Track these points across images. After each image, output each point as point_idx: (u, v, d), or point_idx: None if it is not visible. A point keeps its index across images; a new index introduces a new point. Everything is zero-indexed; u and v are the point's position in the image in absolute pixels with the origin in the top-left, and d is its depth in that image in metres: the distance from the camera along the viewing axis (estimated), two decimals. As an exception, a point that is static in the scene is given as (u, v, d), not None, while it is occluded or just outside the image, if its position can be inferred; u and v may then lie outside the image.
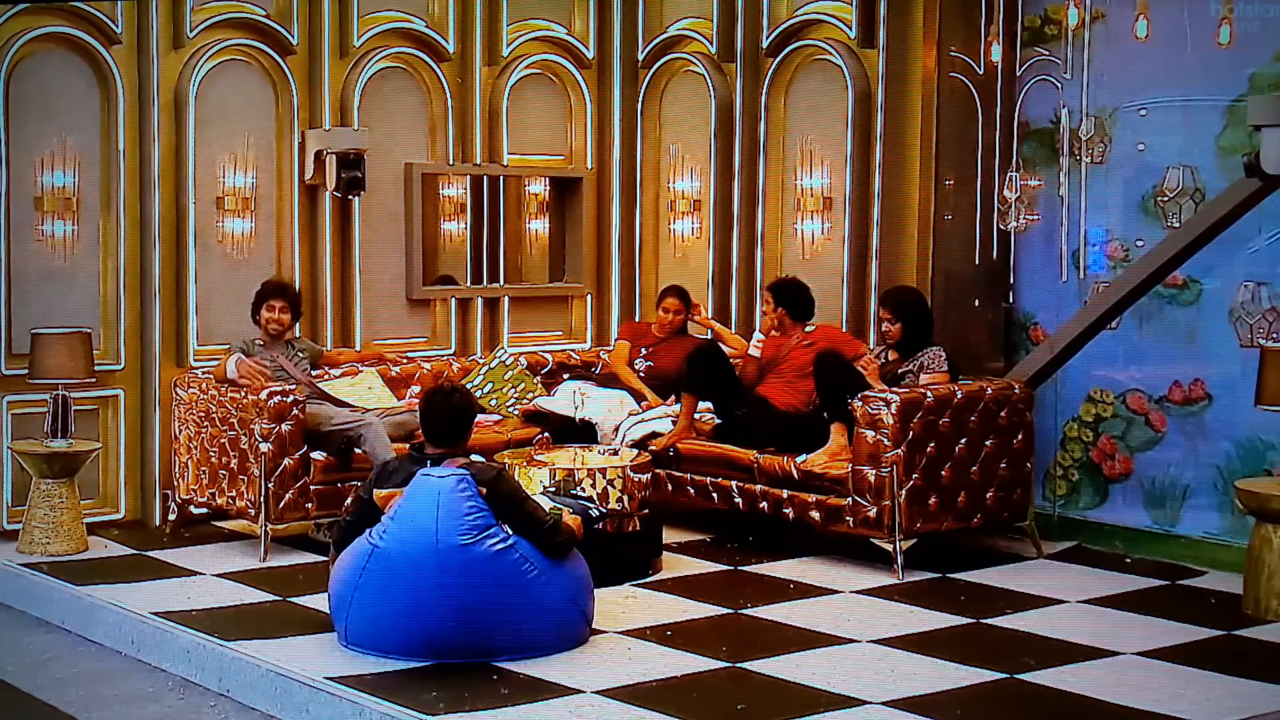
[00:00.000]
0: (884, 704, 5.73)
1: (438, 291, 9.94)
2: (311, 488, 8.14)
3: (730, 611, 7.11)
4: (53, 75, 8.66)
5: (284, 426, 8.02)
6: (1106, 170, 8.62)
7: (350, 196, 9.31)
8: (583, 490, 7.53)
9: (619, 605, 7.09)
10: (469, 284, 10.06)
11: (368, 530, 6.36)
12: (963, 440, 7.90)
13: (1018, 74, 8.90)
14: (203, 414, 8.39)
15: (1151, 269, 8.21)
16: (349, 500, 7.98)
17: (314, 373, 8.77)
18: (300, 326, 9.00)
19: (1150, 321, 8.47)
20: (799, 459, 8.02)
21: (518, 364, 9.56)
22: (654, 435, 8.76)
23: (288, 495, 8.05)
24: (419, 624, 6.19)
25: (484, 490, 6.27)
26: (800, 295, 8.73)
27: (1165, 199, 8.40)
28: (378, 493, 6.45)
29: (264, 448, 7.97)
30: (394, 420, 8.35)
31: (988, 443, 8.00)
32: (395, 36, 9.65)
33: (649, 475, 7.88)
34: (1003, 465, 8.07)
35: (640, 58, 10.42)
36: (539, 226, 10.59)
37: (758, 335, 8.84)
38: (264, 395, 8.01)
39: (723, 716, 5.66)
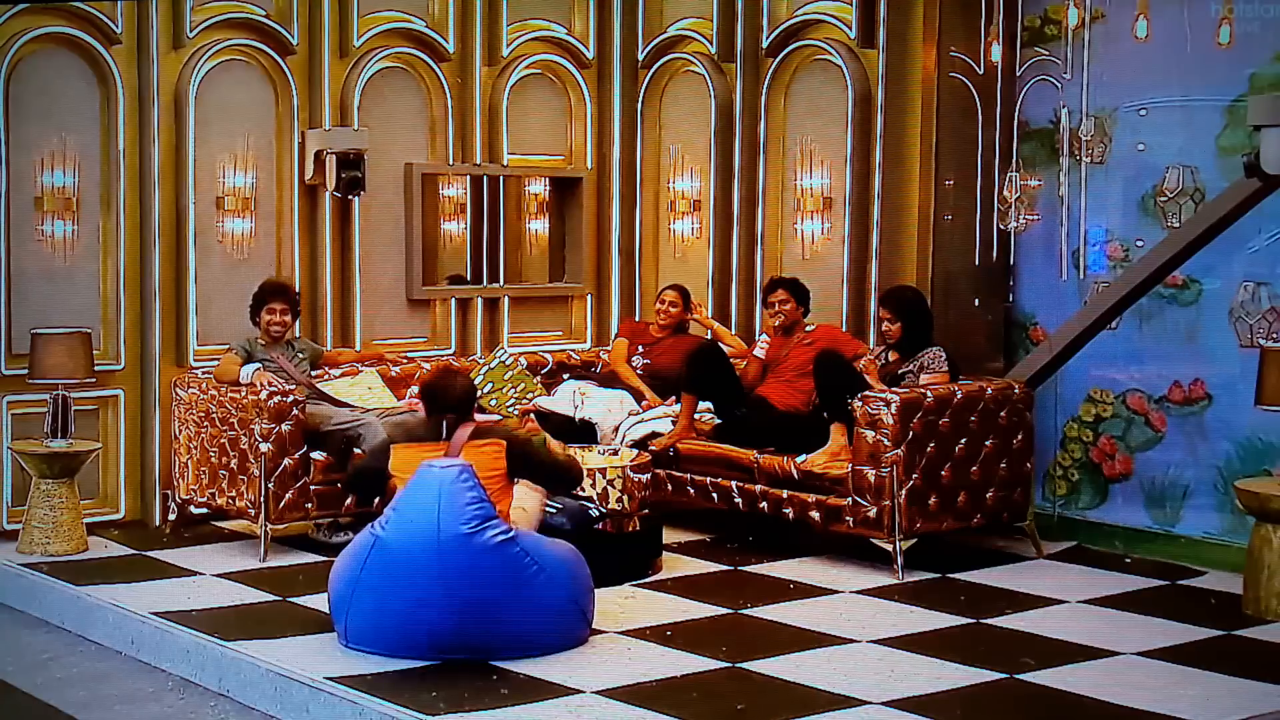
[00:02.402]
0: (884, 704, 5.72)
1: (438, 291, 9.93)
2: (311, 488, 8.14)
3: (730, 611, 7.11)
4: (53, 75, 8.66)
5: (284, 426, 8.02)
6: (1106, 170, 8.62)
7: (350, 196, 9.31)
8: (583, 490, 7.53)
9: (619, 605, 7.08)
10: (469, 284, 10.06)
11: (370, 523, 6.38)
12: (963, 440, 7.90)
13: (1018, 74, 8.90)
14: (203, 414, 8.39)
15: (1151, 269, 8.20)
16: (355, 505, 8.05)
17: (314, 373, 8.77)
18: (300, 326, 9.01)
19: (1150, 321, 8.47)
20: (799, 459, 8.02)
21: (518, 364, 9.56)
22: (654, 435, 8.76)
23: (288, 495, 8.06)
24: (420, 618, 6.19)
25: (503, 443, 6.41)
26: (805, 290, 8.77)
27: (1165, 199, 8.40)
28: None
29: (264, 448, 7.97)
30: (394, 420, 8.34)
31: (988, 443, 8.00)
32: (395, 36, 9.66)
33: (649, 475, 7.88)
34: (1002, 465, 8.07)
35: (640, 58, 10.42)
36: (539, 226, 10.60)
37: (764, 337, 8.83)
38: (264, 395, 8.02)
39: (723, 716, 5.66)
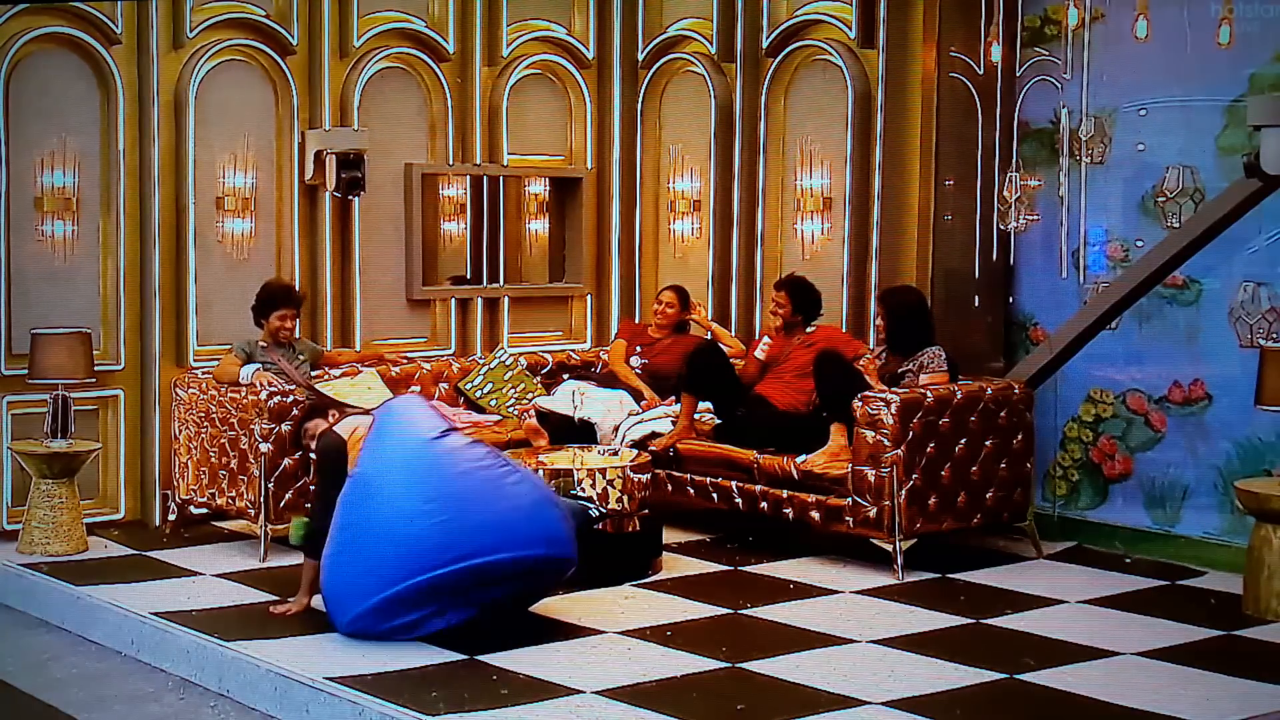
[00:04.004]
0: (883, 704, 5.73)
1: (438, 292, 9.93)
2: (311, 488, 8.12)
3: (730, 611, 7.11)
4: (53, 75, 8.66)
5: (284, 426, 8.02)
6: (1106, 170, 8.62)
7: (350, 197, 9.31)
8: (582, 490, 7.53)
9: (619, 605, 7.09)
10: (470, 284, 10.06)
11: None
12: (962, 440, 7.90)
13: (1018, 74, 8.89)
14: (203, 414, 8.39)
15: (1151, 269, 8.21)
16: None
17: (314, 373, 8.77)
18: (300, 327, 9.00)
19: (1150, 321, 8.47)
20: (799, 459, 8.01)
21: (517, 364, 9.56)
22: (654, 435, 8.76)
23: (287, 495, 8.06)
24: (409, 532, 6.28)
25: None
26: (812, 297, 8.70)
27: (1165, 199, 8.40)
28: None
29: (264, 448, 7.97)
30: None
31: (987, 443, 8.00)
32: (395, 36, 9.66)
33: (649, 475, 7.88)
34: (1002, 465, 8.07)
35: (640, 58, 10.42)
36: (539, 226, 10.60)
37: (766, 340, 8.78)
38: (264, 395, 8.02)
39: (723, 716, 5.66)
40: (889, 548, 7.68)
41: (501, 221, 10.19)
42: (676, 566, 7.95)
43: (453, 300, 9.98)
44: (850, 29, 9.14)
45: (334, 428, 7.00)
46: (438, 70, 9.78)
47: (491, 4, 9.96)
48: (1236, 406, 7.99)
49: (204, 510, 8.66)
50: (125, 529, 8.78)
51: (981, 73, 8.85)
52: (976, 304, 9.06)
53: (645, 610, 7.06)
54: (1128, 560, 8.17)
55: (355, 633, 6.46)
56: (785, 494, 8.07)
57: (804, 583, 7.63)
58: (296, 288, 8.99)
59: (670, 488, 8.60)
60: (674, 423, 8.76)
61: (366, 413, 7.23)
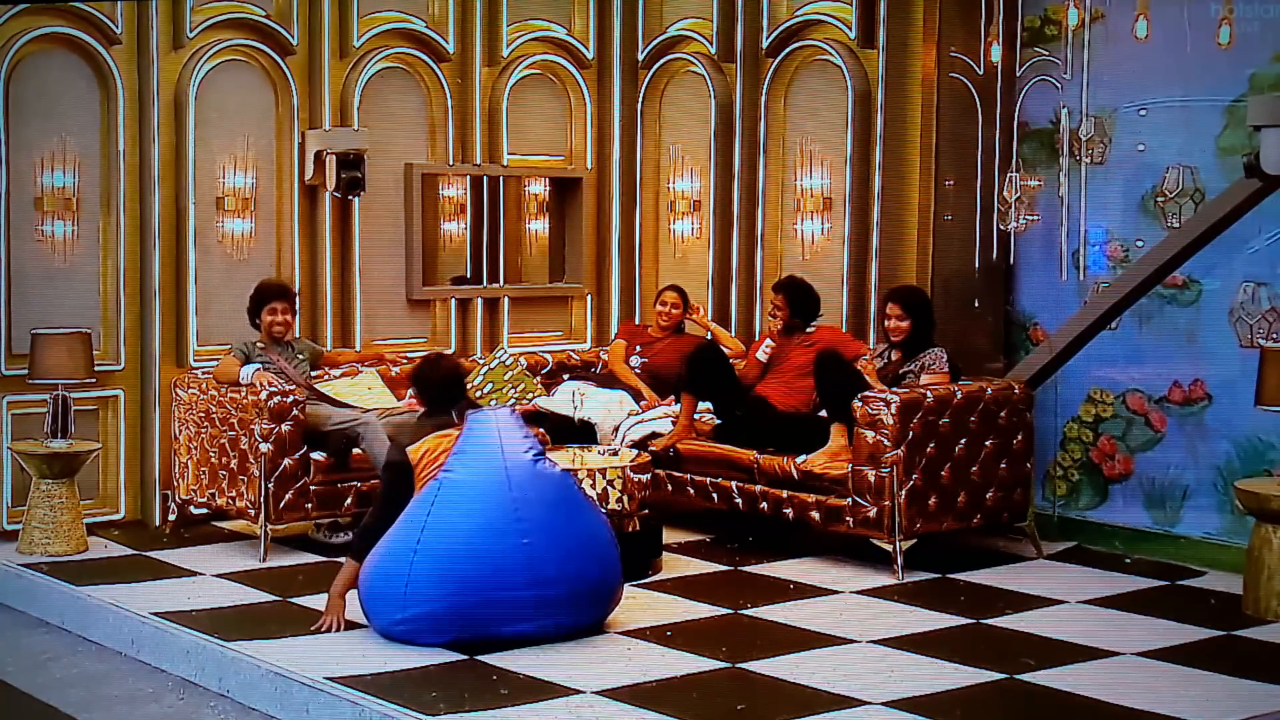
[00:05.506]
0: (884, 704, 5.72)
1: (438, 292, 9.94)
2: (311, 488, 8.14)
3: (730, 611, 7.11)
4: (53, 75, 8.66)
5: (284, 426, 8.02)
6: (1106, 170, 8.62)
7: (350, 197, 9.31)
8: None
9: (619, 605, 7.07)
10: (469, 284, 10.07)
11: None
12: (963, 441, 7.90)
13: (1018, 74, 8.90)
14: (203, 414, 8.39)
15: (1151, 269, 8.21)
16: (355, 505, 8.05)
17: (314, 374, 8.77)
18: (300, 327, 9.00)
19: (1150, 321, 8.47)
20: (799, 459, 8.02)
21: (517, 364, 9.55)
22: (654, 435, 8.76)
23: (288, 495, 8.05)
24: (492, 546, 6.28)
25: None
26: (810, 299, 8.69)
27: (1165, 199, 8.40)
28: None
29: (264, 448, 7.97)
30: (393, 420, 8.35)
31: (987, 443, 8.00)
32: (395, 36, 9.66)
33: (649, 475, 7.88)
34: (1002, 465, 8.07)
35: (640, 58, 10.42)
36: (539, 227, 10.60)
37: (769, 342, 8.76)
38: (264, 395, 8.02)
39: (723, 716, 5.66)
40: (889, 548, 7.68)
41: (501, 222, 10.19)
42: (676, 566, 7.95)
43: (453, 300, 9.99)
44: (850, 29, 9.14)
45: (398, 445, 6.94)
46: (438, 70, 9.78)
47: (491, 4, 9.97)
48: (1236, 406, 7.99)
49: (204, 510, 8.66)
50: (125, 529, 8.78)
51: (981, 73, 8.86)
52: (976, 304, 9.06)
53: (645, 610, 7.06)
54: (1128, 560, 8.17)
55: (396, 636, 6.40)
56: (785, 494, 8.07)
57: (804, 583, 7.63)
58: (288, 283, 8.97)
59: (670, 488, 8.61)
60: (674, 423, 8.76)
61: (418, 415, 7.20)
